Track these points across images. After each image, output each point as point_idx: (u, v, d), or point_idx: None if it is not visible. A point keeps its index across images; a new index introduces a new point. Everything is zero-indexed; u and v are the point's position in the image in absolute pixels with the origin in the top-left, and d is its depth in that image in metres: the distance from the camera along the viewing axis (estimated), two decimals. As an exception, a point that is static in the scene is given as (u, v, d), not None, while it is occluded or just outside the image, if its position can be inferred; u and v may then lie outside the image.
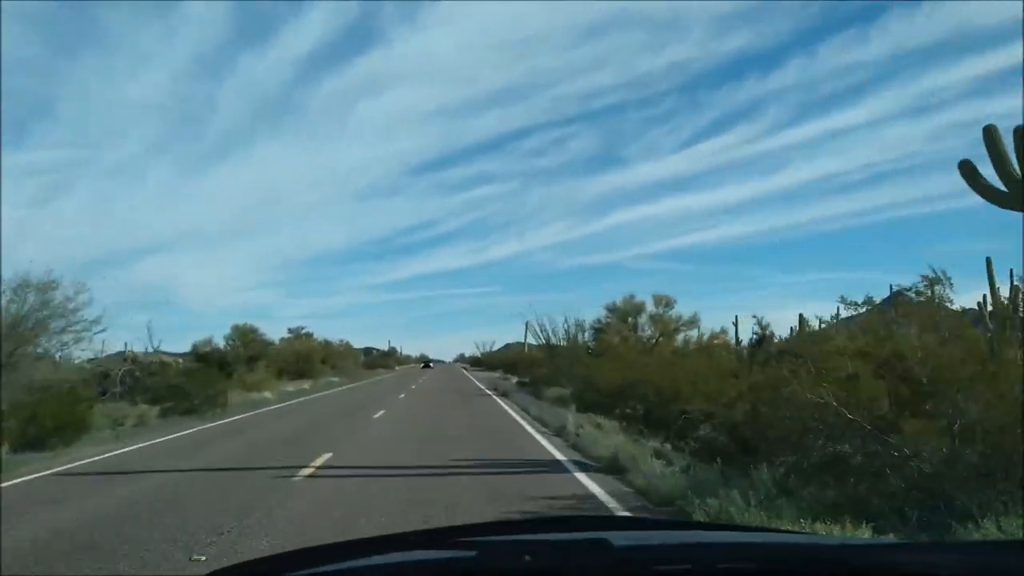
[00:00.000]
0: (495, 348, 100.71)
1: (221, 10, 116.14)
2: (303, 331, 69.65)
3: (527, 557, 1.36)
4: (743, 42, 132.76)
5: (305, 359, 55.86)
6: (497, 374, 63.43)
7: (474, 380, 53.74)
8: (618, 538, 1.45)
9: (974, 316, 11.16)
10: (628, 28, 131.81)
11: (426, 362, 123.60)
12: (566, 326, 38.85)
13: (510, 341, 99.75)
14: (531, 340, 53.29)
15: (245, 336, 52.19)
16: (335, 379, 53.93)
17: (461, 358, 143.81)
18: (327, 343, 76.24)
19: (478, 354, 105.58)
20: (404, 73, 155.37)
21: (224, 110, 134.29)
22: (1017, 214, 7.84)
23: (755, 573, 1.43)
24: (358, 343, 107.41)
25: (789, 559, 1.49)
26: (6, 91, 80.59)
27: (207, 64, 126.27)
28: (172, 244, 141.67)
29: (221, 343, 50.86)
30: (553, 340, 39.64)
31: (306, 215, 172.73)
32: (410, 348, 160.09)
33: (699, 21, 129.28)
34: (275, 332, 73.38)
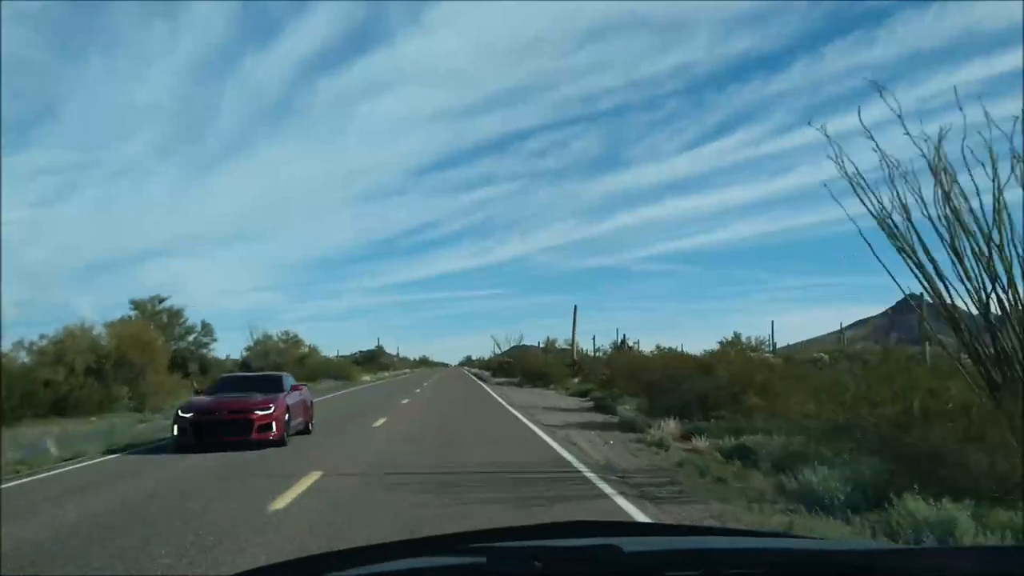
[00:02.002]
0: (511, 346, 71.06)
1: (226, 11, 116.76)
2: (162, 304, 36.10)
3: (537, 563, 1.36)
4: (748, 45, 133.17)
5: (121, 367, 24.30)
6: (589, 403, 25.70)
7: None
8: (628, 544, 1.44)
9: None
10: (633, 30, 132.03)
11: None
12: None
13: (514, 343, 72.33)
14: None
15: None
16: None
17: (468, 361, 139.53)
18: (208, 330, 39.31)
19: (497, 352, 76.85)
20: (408, 74, 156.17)
21: (228, 112, 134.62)
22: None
23: None
24: (363, 346, 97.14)
25: (799, 565, 1.48)
26: (12, 92, 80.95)
27: (212, 65, 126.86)
28: (177, 246, 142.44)
29: None
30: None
31: (311, 217, 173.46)
32: (414, 350, 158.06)
33: (704, 24, 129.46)
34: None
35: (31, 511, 8.38)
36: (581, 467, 10.80)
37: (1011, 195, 7.51)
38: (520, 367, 53.03)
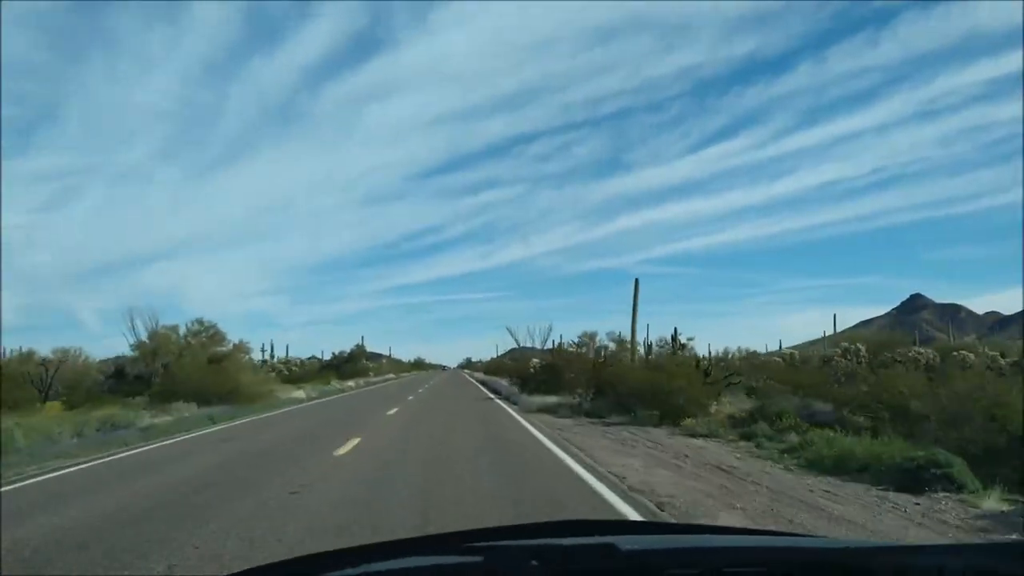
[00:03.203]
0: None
1: (230, 14, 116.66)
2: None
3: (534, 562, 1.37)
4: (752, 47, 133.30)
5: None
6: None
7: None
8: (625, 542, 1.45)
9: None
10: (637, 33, 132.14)
11: None
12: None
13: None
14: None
15: None
16: None
17: (468, 363, 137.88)
18: None
19: (504, 351, 59.13)
20: (412, 78, 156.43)
21: (232, 116, 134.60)
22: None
23: None
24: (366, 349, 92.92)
25: (796, 563, 1.49)
26: (13, 96, 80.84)
27: (215, 69, 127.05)
28: (179, 250, 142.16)
29: None
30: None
31: (313, 221, 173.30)
32: (412, 352, 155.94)
33: (709, 26, 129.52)
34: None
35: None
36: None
37: None
38: (584, 379, 24.93)
